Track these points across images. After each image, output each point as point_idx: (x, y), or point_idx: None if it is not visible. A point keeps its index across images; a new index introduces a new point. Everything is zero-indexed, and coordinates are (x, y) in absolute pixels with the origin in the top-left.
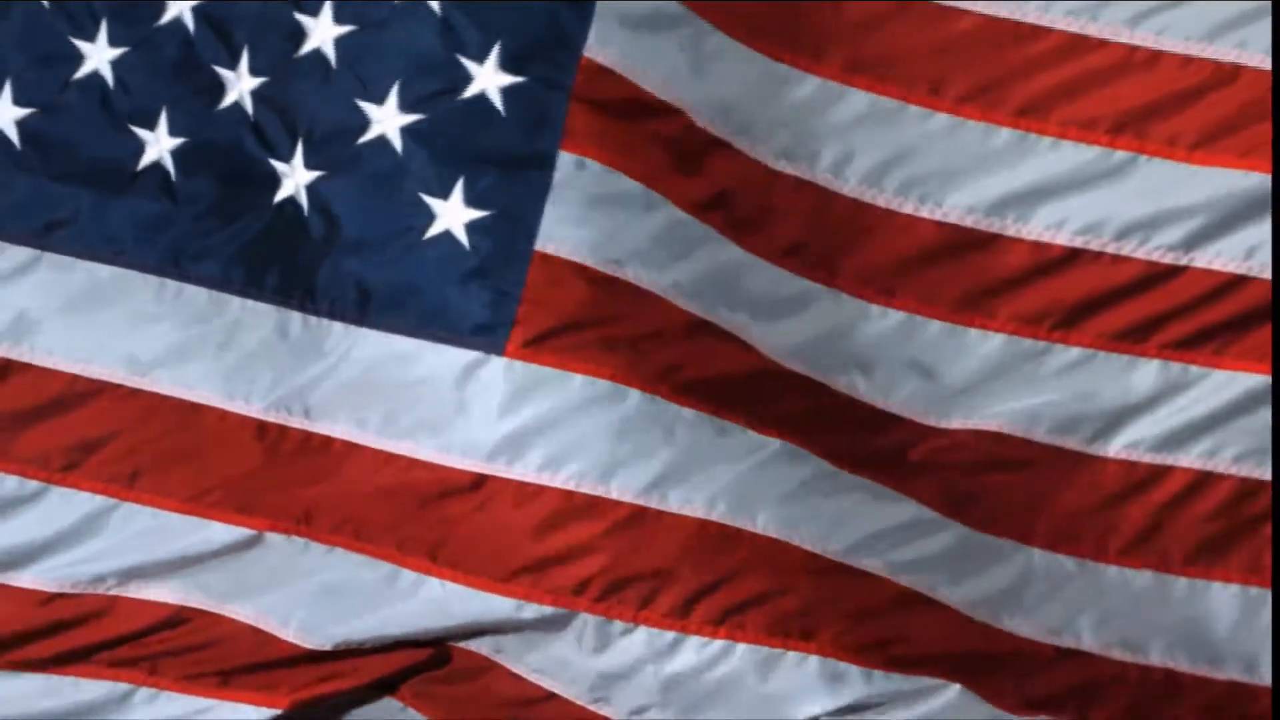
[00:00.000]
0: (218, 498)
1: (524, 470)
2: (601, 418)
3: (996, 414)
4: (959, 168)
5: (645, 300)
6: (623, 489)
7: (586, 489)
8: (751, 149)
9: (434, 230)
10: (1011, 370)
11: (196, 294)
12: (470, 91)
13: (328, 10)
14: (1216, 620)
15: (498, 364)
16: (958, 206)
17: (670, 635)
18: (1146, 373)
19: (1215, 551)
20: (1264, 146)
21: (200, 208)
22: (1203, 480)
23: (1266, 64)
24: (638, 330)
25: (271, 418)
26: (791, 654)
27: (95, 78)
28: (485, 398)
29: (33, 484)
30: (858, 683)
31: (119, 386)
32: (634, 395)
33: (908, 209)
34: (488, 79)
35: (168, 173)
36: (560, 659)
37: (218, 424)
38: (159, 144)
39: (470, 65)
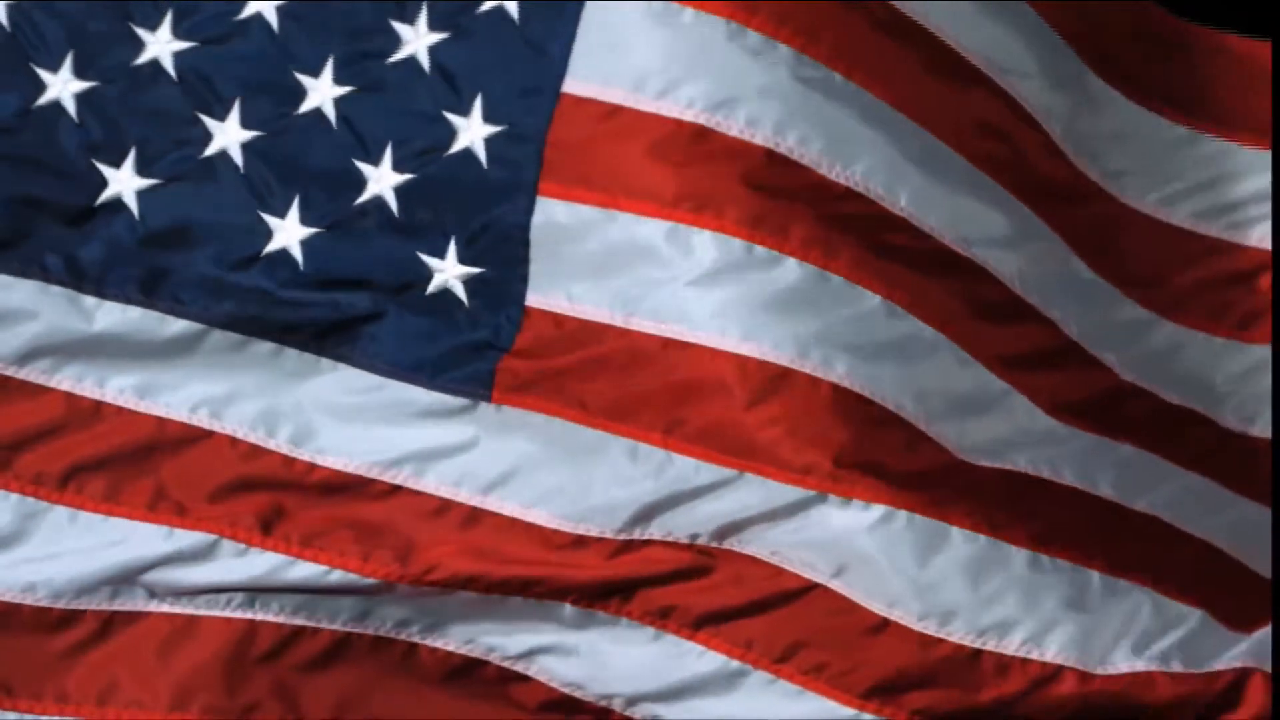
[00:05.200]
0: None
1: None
2: (587, 466)
3: None
4: None
5: (637, 341)
6: (603, 530)
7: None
8: (755, 136)
9: (433, 287)
10: None
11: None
12: (456, 147)
13: (328, 74)
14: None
15: (487, 409)
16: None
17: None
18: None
19: None
20: None
21: (174, 250)
22: None
23: None
24: (627, 377)
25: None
26: None
27: (56, 107)
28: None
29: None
30: None
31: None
32: (621, 443)
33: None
34: (473, 132)
35: (129, 210)
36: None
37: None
38: (122, 183)
39: (455, 120)
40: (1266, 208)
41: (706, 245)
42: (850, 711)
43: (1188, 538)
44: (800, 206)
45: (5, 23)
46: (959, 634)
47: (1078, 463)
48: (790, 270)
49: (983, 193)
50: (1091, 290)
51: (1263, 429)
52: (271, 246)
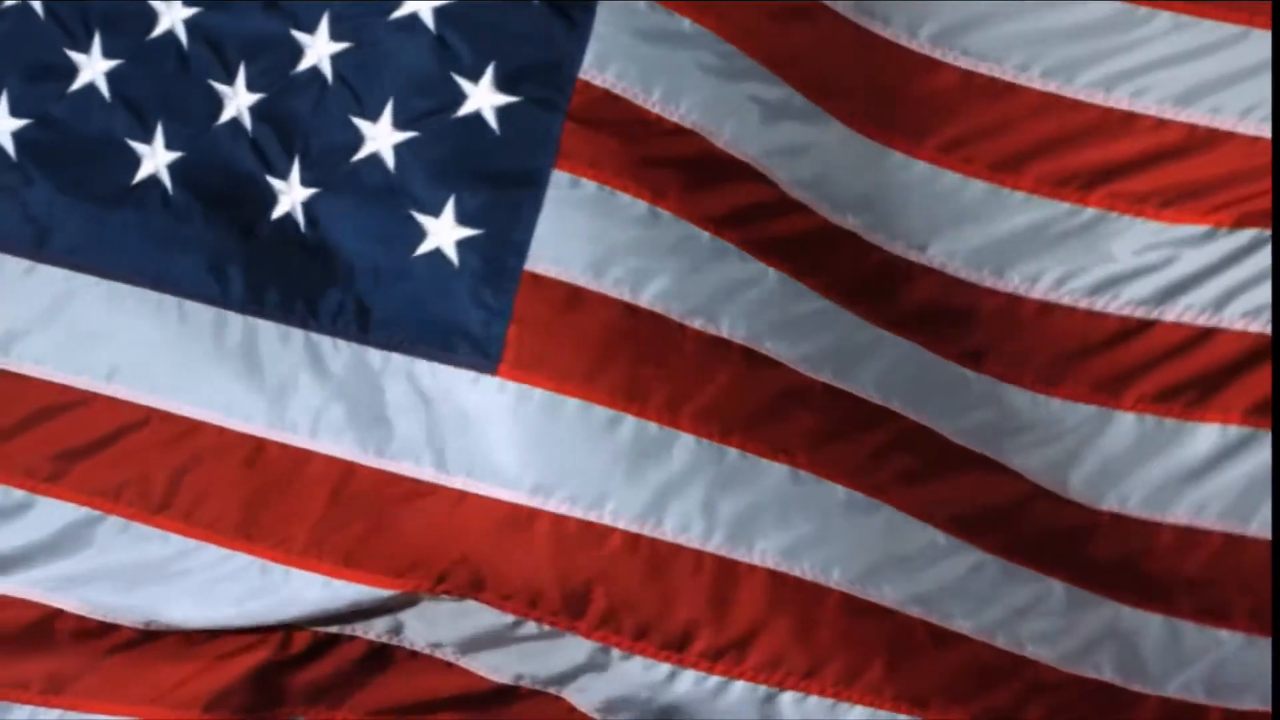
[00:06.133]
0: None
1: (515, 494)
2: (595, 444)
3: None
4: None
5: (645, 318)
6: (616, 516)
7: (579, 515)
8: (773, 176)
9: (424, 248)
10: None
11: (195, 309)
12: (464, 110)
13: (324, 27)
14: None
15: (491, 383)
16: (939, 254)
17: (666, 668)
18: (1123, 425)
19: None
20: (1232, 205)
21: (197, 223)
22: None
23: (1239, 127)
24: (636, 351)
25: (275, 436)
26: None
27: (92, 90)
28: (481, 416)
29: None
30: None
31: (111, 399)
32: (629, 421)
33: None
34: (482, 98)
35: (165, 187)
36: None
37: (216, 440)
38: (155, 158)
39: (464, 84)
40: None
41: None
42: None
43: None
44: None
45: (40, 10)
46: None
47: None
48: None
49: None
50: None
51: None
52: (278, 211)
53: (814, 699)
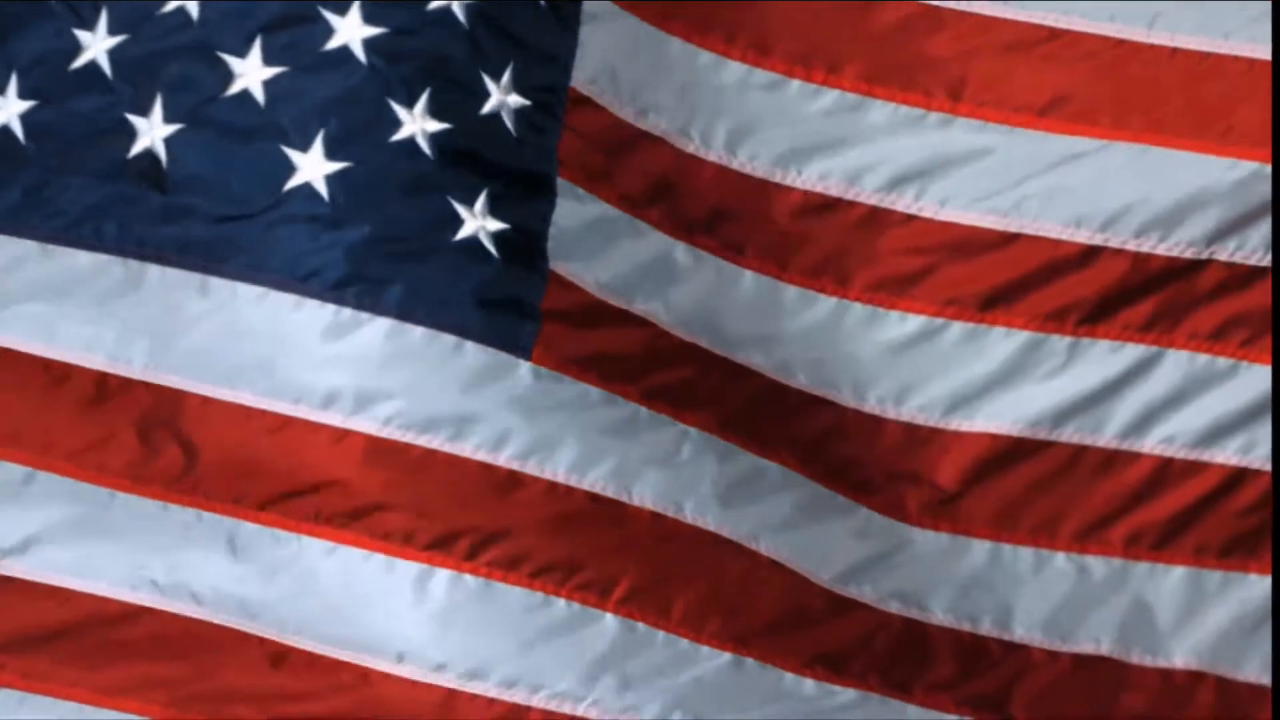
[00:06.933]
0: None
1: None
2: (612, 430)
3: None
4: (966, 172)
5: (638, 325)
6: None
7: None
8: (746, 163)
9: (462, 234)
10: (1033, 368)
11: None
12: (487, 107)
13: (355, 11)
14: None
15: (526, 369)
16: (970, 210)
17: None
18: (1176, 363)
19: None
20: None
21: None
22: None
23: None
24: (633, 353)
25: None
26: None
27: (93, 67)
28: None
29: None
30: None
31: None
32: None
33: (927, 213)
34: (501, 97)
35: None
36: None
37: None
38: (151, 132)
39: (489, 81)
40: None
41: None
42: None
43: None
44: None
45: None
46: None
47: None
48: None
49: None
50: None
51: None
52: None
53: None
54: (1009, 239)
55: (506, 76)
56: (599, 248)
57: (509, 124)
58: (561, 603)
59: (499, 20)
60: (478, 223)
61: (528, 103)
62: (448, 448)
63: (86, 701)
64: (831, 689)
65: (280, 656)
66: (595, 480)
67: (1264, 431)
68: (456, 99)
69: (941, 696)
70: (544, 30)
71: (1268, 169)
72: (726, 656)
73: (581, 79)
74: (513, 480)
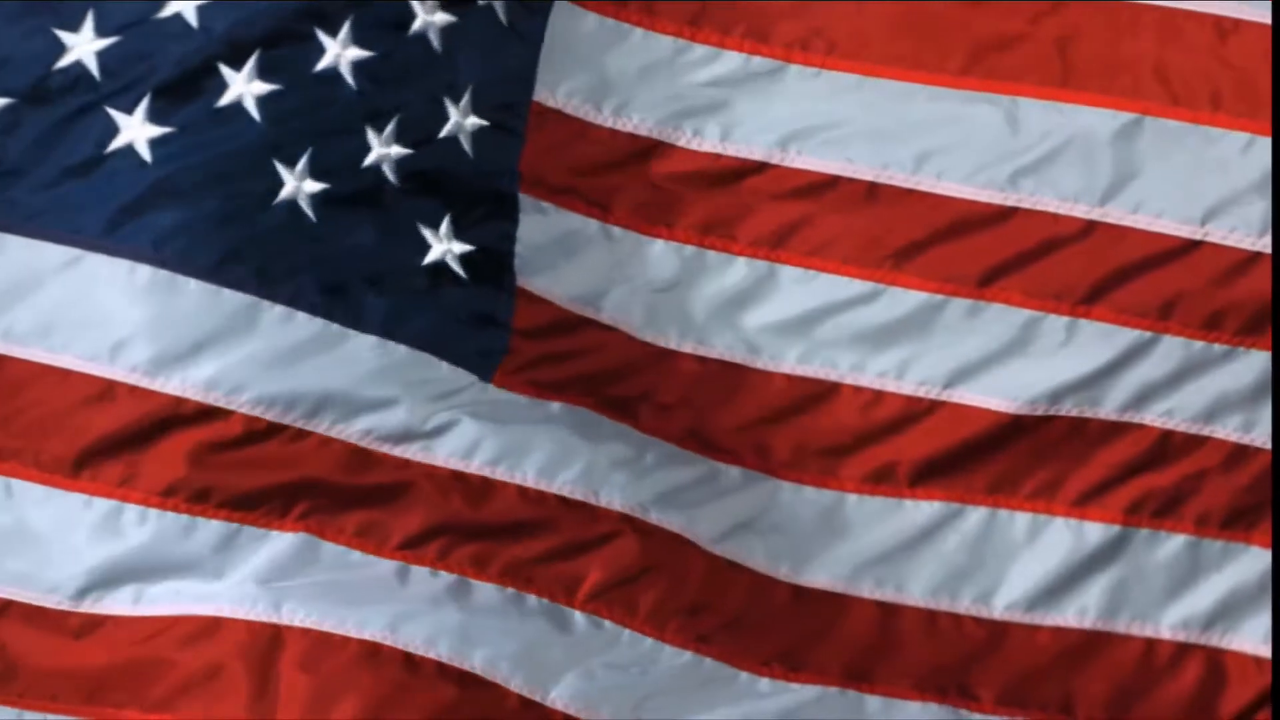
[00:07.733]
0: None
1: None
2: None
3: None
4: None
5: (609, 334)
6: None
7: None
8: (703, 146)
9: (430, 258)
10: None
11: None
12: (445, 130)
13: (345, 32)
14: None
15: (493, 391)
16: (967, 185)
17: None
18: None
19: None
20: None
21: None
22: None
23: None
24: (606, 364)
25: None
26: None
27: (78, 67)
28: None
29: None
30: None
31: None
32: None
33: (924, 186)
34: (459, 119)
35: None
36: None
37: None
38: (133, 130)
39: (449, 105)
40: None
41: None
42: None
43: None
44: None
45: None
46: None
47: None
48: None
49: None
50: None
51: None
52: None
53: None
54: (1006, 214)
55: (466, 98)
56: (566, 259)
57: (465, 146)
58: (532, 599)
59: (465, 42)
60: (444, 246)
61: (485, 123)
62: (421, 457)
63: None
64: (788, 686)
65: None
66: (564, 484)
67: (1263, 413)
68: (419, 123)
69: (904, 683)
70: (507, 49)
71: (1266, 140)
72: (687, 655)
73: (544, 91)
74: (486, 485)
